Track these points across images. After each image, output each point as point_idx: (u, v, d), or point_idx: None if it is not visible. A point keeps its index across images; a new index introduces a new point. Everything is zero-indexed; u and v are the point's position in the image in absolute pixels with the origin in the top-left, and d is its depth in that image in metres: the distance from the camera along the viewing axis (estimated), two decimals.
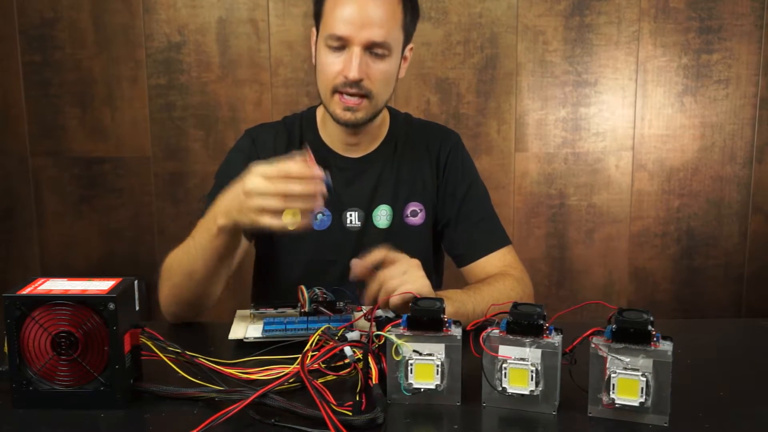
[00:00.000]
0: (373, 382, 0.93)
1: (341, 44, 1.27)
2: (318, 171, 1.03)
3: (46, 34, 2.20)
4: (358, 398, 0.91)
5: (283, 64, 2.20)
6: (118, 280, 0.95)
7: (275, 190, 1.03)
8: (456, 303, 1.17)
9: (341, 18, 1.26)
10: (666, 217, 2.31)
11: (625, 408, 0.86)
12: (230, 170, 1.24)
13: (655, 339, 0.86)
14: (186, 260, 1.21)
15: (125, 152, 2.26)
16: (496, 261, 1.38)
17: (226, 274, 1.24)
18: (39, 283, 0.94)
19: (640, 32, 2.20)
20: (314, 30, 1.36)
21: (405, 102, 2.22)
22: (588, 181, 2.29)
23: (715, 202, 2.30)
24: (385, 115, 1.44)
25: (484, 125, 2.25)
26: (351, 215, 1.41)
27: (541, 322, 0.89)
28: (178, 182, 2.25)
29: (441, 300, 0.93)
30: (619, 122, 2.25)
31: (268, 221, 1.04)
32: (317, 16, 1.33)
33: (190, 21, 2.19)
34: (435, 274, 1.52)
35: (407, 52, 1.38)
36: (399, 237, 1.41)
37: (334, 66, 1.28)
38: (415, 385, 0.91)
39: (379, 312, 1.17)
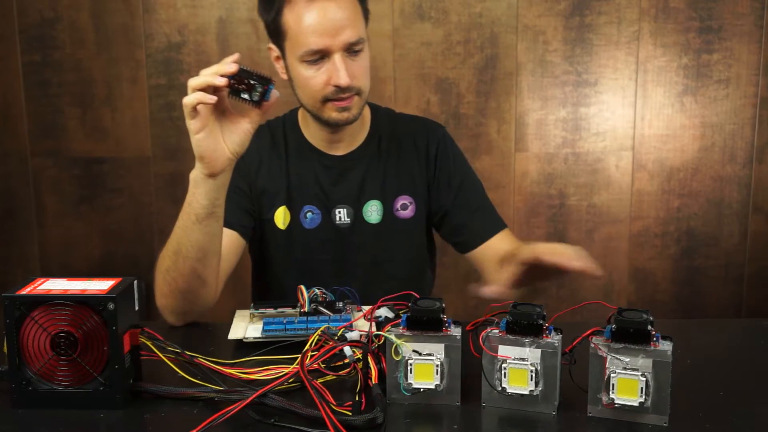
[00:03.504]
0: (373, 382, 0.93)
1: (320, 56, 1.26)
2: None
3: (46, 34, 2.20)
4: (357, 398, 0.91)
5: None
6: (118, 280, 0.95)
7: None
8: None
9: (312, 31, 1.24)
10: (666, 217, 2.31)
11: (624, 408, 0.86)
12: None
13: (654, 339, 0.86)
14: (172, 240, 1.19)
15: (125, 152, 2.26)
16: (501, 242, 1.39)
17: (214, 255, 1.21)
18: (38, 283, 0.94)
19: (640, 32, 2.20)
20: (273, 47, 1.35)
21: (405, 102, 2.22)
22: (588, 181, 2.29)
23: (715, 202, 2.30)
24: (365, 111, 1.45)
25: (484, 125, 2.25)
26: (340, 212, 1.41)
27: (541, 322, 0.89)
28: (178, 182, 2.25)
29: (440, 300, 0.93)
30: (619, 122, 2.25)
31: (185, 100, 1.07)
32: (276, 33, 1.31)
33: (190, 21, 2.19)
34: (429, 268, 1.52)
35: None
36: (391, 231, 1.42)
37: (318, 78, 1.28)
38: (415, 385, 0.91)
39: (379, 312, 1.17)
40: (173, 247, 1.19)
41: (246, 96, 1.07)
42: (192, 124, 1.09)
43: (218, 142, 1.11)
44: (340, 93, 1.28)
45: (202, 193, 1.14)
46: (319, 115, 1.33)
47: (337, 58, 1.25)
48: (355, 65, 1.28)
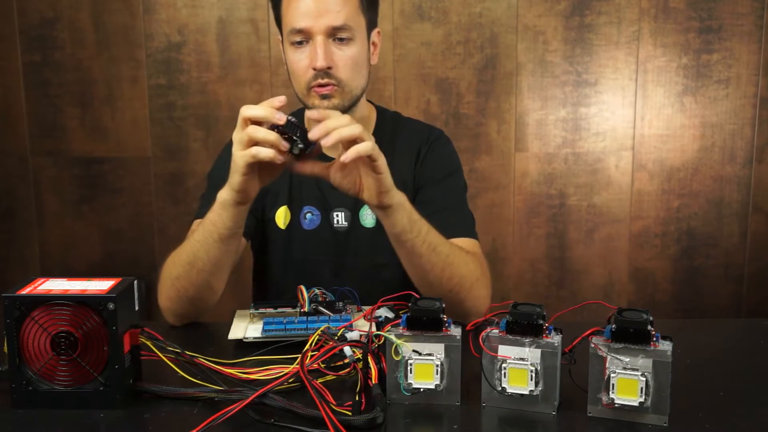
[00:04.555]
0: (373, 382, 0.93)
1: (303, 38, 1.28)
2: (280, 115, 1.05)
3: (46, 34, 2.20)
4: (357, 398, 0.91)
5: (282, 63, 2.19)
6: (118, 280, 0.95)
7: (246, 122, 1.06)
8: (414, 215, 1.16)
9: (298, 11, 1.27)
10: (666, 217, 2.31)
11: (624, 408, 0.86)
12: (222, 171, 1.24)
13: (654, 339, 0.86)
14: (188, 251, 1.19)
15: (125, 152, 2.26)
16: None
17: (227, 267, 1.22)
18: (39, 283, 0.94)
19: (640, 32, 2.20)
20: (279, 37, 1.37)
21: (405, 102, 2.22)
22: (588, 181, 2.29)
23: (715, 202, 2.30)
24: (370, 114, 1.44)
25: (484, 125, 2.25)
26: (338, 215, 1.41)
27: (541, 322, 0.88)
28: (178, 182, 2.25)
29: (440, 300, 0.93)
30: (619, 122, 2.26)
31: (256, 152, 1.04)
32: (278, 20, 1.34)
33: (190, 21, 2.19)
34: None
35: (375, 38, 1.38)
36: (385, 234, 1.41)
37: (301, 62, 1.29)
38: (415, 385, 0.91)
39: (379, 312, 1.17)
40: (188, 258, 1.19)
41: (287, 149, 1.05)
42: (245, 168, 1.07)
43: (256, 176, 1.10)
44: (320, 78, 1.28)
45: (229, 216, 1.13)
46: (306, 104, 1.33)
47: (318, 40, 1.26)
48: (339, 53, 1.28)
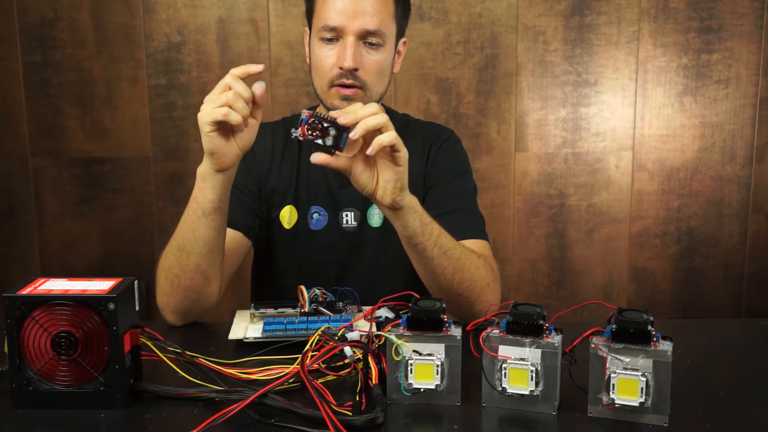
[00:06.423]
0: (373, 382, 0.93)
1: (335, 35, 1.28)
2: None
3: (46, 34, 2.20)
4: (358, 398, 0.91)
5: (283, 64, 2.20)
6: (118, 280, 0.95)
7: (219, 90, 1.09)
8: (426, 218, 1.16)
9: (333, 9, 1.27)
10: (666, 217, 2.31)
11: (625, 408, 0.86)
12: None
13: (655, 339, 0.86)
14: (176, 236, 1.19)
15: (125, 152, 2.26)
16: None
17: (218, 251, 1.20)
18: (39, 283, 0.94)
19: (640, 32, 2.20)
20: (306, 30, 1.37)
21: (405, 102, 2.22)
22: (588, 181, 2.29)
23: (715, 202, 2.30)
24: None
25: (484, 125, 2.25)
26: (347, 215, 1.41)
27: (541, 322, 0.89)
28: (178, 182, 2.25)
29: (441, 300, 0.93)
30: (619, 122, 2.26)
31: (227, 113, 1.06)
32: (309, 12, 1.34)
33: (190, 21, 2.19)
34: None
35: (401, 47, 1.38)
36: (392, 234, 1.41)
37: (328, 58, 1.29)
38: (415, 385, 0.91)
39: (380, 312, 1.17)
40: (177, 243, 1.19)
41: (320, 141, 1.05)
42: (208, 127, 1.08)
43: (228, 138, 1.11)
44: (344, 78, 1.28)
45: (209, 187, 1.14)
46: (325, 102, 1.33)
47: (349, 40, 1.27)
48: (367, 57, 1.29)
